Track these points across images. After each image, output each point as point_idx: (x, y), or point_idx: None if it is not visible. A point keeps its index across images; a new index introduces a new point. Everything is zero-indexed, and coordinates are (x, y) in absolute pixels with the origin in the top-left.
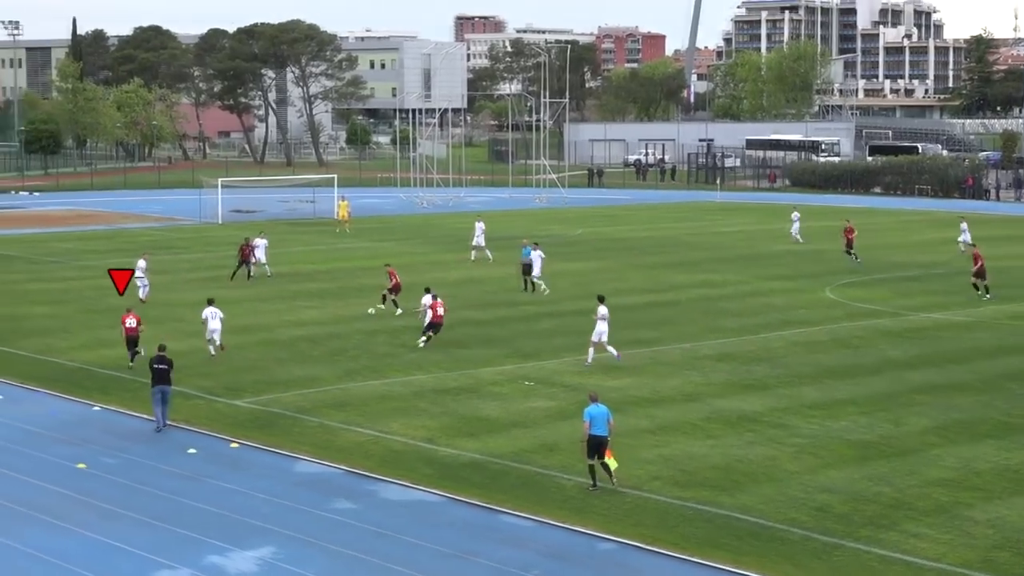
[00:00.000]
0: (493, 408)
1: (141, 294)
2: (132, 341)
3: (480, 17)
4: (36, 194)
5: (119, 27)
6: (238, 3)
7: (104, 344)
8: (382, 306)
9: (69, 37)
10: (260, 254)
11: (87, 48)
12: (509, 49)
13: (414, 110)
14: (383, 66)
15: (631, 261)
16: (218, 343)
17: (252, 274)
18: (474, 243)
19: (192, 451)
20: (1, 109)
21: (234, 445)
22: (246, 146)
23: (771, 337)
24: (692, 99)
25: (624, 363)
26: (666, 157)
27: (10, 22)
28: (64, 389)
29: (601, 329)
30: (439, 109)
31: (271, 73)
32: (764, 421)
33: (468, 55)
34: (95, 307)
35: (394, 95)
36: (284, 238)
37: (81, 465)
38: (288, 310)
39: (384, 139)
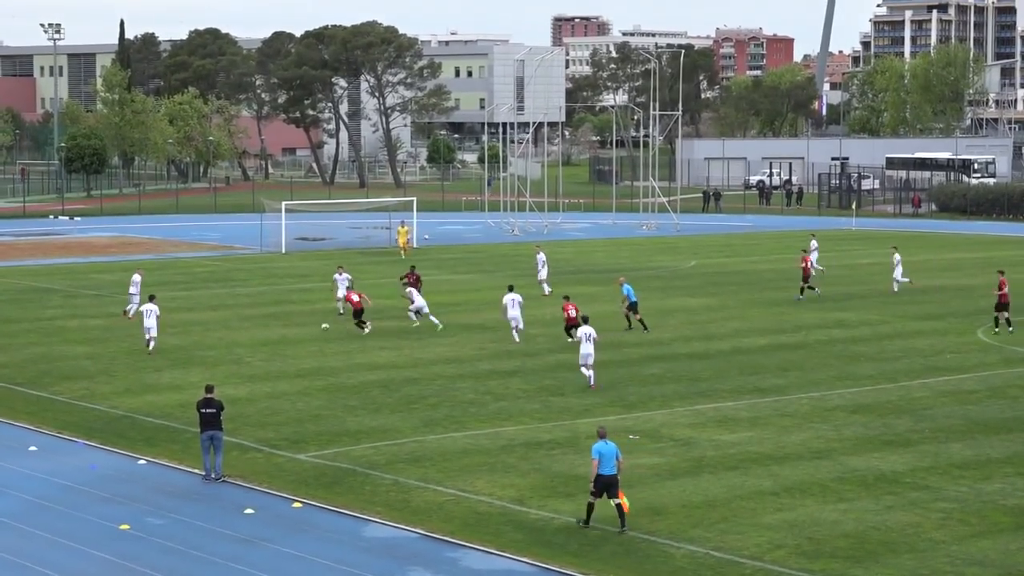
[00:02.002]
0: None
1: (130, 311)
2: None
3: (581, 18)
4: (77, 219)
5: (172, 30)
6: (306, 4)
7: (151, 389)
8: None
9: (116, 42)
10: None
11: (136, 54)
12: (614, 54)
13: (505, 124)
14: (470, 74)
15: (752, 297)
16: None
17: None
18: (541, 276)
19: (249, 511)
20: (40, 122)
21: (296, 505)
22: (314, 165)
23: (913, 386)
24: (824, 111)
25: (739, 414)
26: (793, 178)
27: (51, 25)
28: (106, 440)
29: (585, 351)
30: (533, 123)
31: (343, 82)
32: (905, 482)
33: (567, 61)
34: (141, 347)
35: (482, 107)
36: (356, 270)
37: (124, 526)
38: (359, 351)
39: (470, 157)
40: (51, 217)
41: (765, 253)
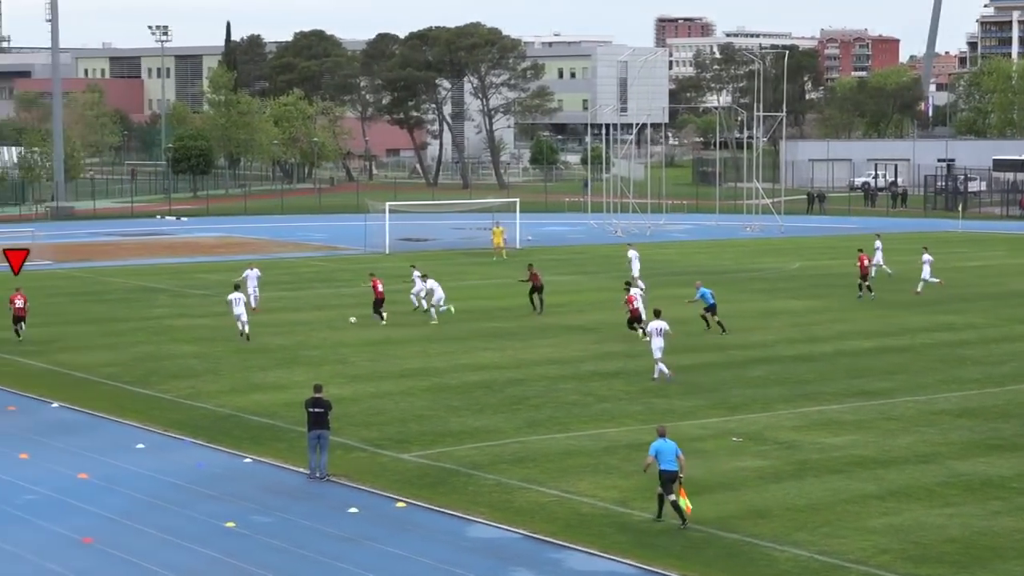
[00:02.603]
0: (695, 467)
1: (253, 303)
2: (17, 320)
3: (684, 19)
4: (184, 219)
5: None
6: (410, 5)
7: (257, 388)
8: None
9: (222, 43)
10: (419, 285)
11: (242, 56)
12: (717, 55)
13: (608, 125)
14: (573, 75)
15: (856, 300)
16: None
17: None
18: (634, 275)
19: (353, 510)
20: (147, 124)
21: (400, 504)
22: (417, 166)
23: (1021, 390)
24: (930, 113)
25: (843, 417)
26: (899, 180)
27: (158, 27)
28: (212, 438)
29: (657, 344)
30: (636, 124)
31: (446, 83)
32: (1012, 487)
33: (670, 62)
34: (247, 346)
35: (585, 108)
36: (460, 270)
37: (230, 524)
38: (462, 352)
39: (573, 158)
40: (158, 217)
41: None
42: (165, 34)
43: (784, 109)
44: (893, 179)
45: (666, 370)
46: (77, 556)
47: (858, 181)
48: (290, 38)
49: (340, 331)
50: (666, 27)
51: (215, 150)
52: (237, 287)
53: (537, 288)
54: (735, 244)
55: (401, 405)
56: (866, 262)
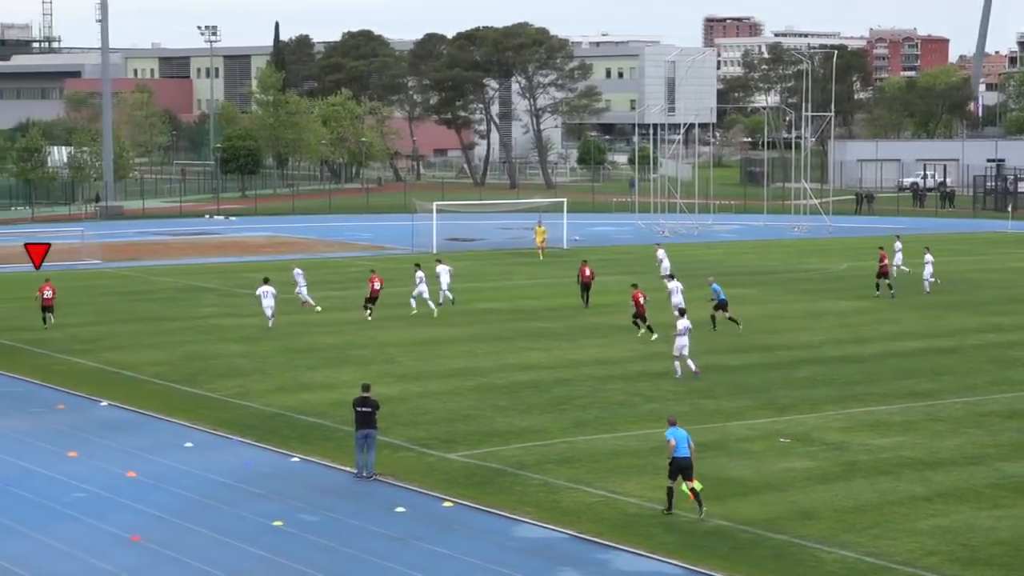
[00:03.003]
0: (742, 468)
1: (308, 300)
2: (45, 309)
3: (733, 19)
4: (232, 218)
5: (326, 32)
6: (458, 5)
7: (305, 387)
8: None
9: (271, 43)
10: (444, 280)
11: (290, 56)
12: (766, 55)
13: (655, 125)
14: (621, 75)
15: (905, 301)
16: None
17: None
18: (663, 274)
19: (400, 510)
20: (196, 123)
21: (447, 504)
22: (465, 166)
23: None
24: (980, 113)
25: (891, 418)
26: (948, 180)
27: (207, 27)
28: (260, 437)
29: (681, 343)
30: (684, 124)
31: (494, 83)
32: None
33: (718, 62)
34: (295, 345)
35: (633, 108)
36: (507, 270)
37: (278, 523)
38: (509, 352)
39: (621, 158)
40: (207, 217)
41: (916, 256)
42: (214, 34)
43: (832, 109)
44: (942, 179)
45: (693, 365)
46: (126, 554)
47: (907, 181)
48: (338, 38)
49: (387, 330)
50: (714, 27)
51: (263, 150)
52: (266, 280)
53: (585, 284)
54: (783, 244)
55: (448, 405)
56: (886, 261)
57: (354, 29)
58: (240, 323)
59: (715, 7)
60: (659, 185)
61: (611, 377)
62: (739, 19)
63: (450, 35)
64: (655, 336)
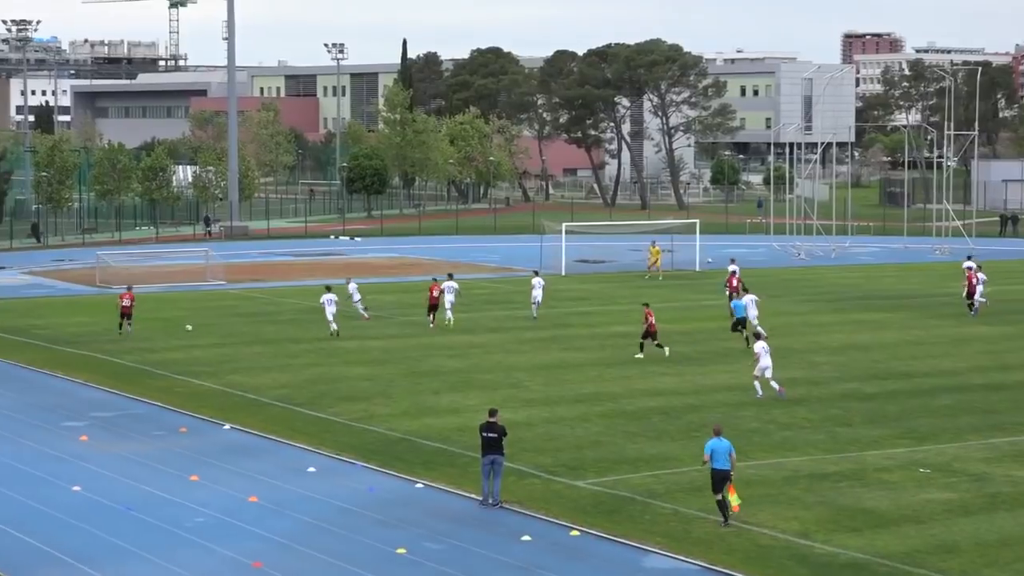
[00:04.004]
0: (881, 499)
1: (365, 313)
2: (123, 315)
3: (872, 35)
4: (357, 239)
5: (454, 49)
6: (589, 21)
7: (430, 412)
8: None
9: (398, 61)
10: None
11: (418, 73)
12: (906, 72)
13: (791, 144)
14: (756, 93)
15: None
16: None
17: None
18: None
19: (526, 538)
20: (322, 142)
21: (574, 533)
22: (595, 186)
23: None
24: None
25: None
26: None
27: (334, 45)
28: (384, 462)
29: (764, 364)
30: (822, 143)
31: (625, 101)
32: None
33: (857, 79)
34: (419, 368)
35: (768, 127)
36: (637, 293)
37: (401, 550)
38: (639, 377)
39: (755, 178)
40: (332, 237)
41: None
42: (341, 52)
43: (976, 127)
44: None
45: (776, 386)
46: None
47: None
48: (467, 55)
49: (514, 354)
50: (853, 43)
51: (390, 169)
52: (329, 288)
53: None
54: (923, 268)
55: (576, 431)
56: (974, 280)
57: (483, 46)
58: (364, 345)
59: (854, 23)
60: (794, 205)
61: (744, 404)
62: (879, 35)
63: (580, 52)
64: (667, 350)
